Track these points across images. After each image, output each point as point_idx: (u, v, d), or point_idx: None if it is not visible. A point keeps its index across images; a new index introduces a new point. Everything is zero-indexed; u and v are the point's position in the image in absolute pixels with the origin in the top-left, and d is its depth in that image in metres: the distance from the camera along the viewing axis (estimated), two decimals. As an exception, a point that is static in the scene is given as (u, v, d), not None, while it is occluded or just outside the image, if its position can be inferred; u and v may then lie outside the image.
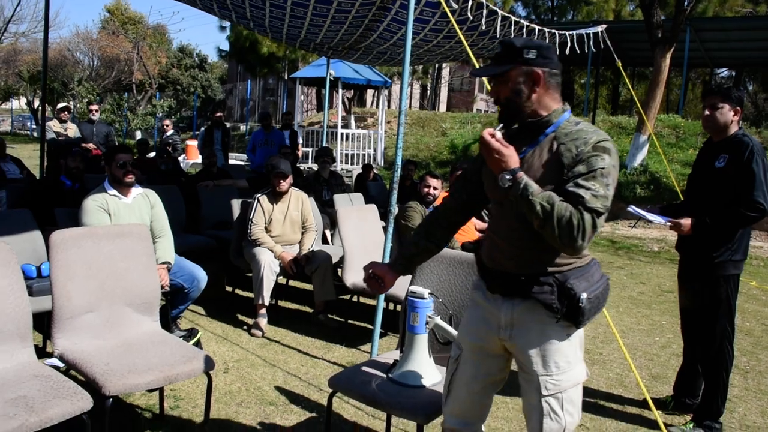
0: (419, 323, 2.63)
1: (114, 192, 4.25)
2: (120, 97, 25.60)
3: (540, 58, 2.00)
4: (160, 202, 4.48)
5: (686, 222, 3.44)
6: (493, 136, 1.94)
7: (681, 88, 22.02)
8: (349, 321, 5.28)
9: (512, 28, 5.45)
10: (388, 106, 30.19)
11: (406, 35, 3.84)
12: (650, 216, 3.68)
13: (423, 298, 2.63)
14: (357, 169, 11.26)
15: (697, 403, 3.71)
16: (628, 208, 3.87)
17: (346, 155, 16.51)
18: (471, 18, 4.84)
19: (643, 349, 4.98)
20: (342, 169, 15.94)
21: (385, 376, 2.74)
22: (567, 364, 2.04)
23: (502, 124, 2.07)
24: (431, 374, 2.67)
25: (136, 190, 4.38)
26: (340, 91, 17.31)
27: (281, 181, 5.07)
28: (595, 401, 3.95)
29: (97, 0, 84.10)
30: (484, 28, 5.27)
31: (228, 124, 28.81)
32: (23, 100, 37.13)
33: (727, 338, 3.52)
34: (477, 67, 2.20)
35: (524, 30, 5.65)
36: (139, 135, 21.45)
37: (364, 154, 16.47)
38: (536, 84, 2.00)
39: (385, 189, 8.87)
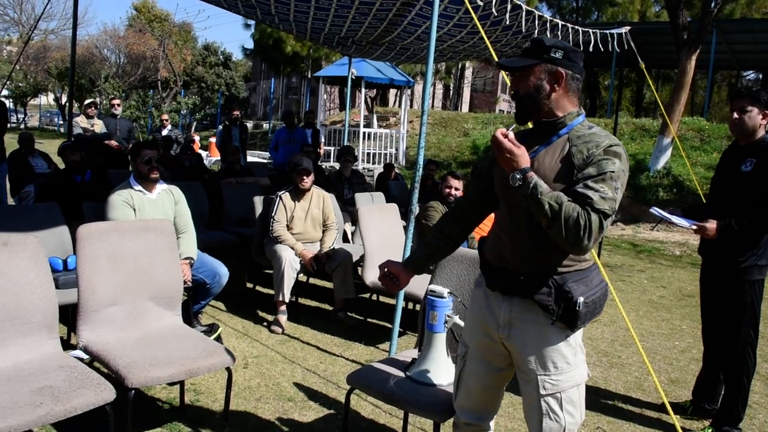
0: (438, 322, 2.64)
1: (139, 187, 4.31)
2: (145, 94, 25.89)
3: (566, 60, 2.01)
4: (183, 198, 4.53)
5: (712, 225, 3.39)
6: (505, 136, 1.96)
7: (706, 91, 21.74)
8: (369, 319, 5.30)
9: (536, 22, 5.43)
10: (411, 106, 30.20)
11: (430, 31, 3.84)
12: (674, 218, 3.65)
13: (442, 297, 2.64)
14: (378, 168, 11.28)
15: (717, 409, 3.67)
16: (651, 210, 3.84)
17: (368, 154, 16.54)
18: (495, 13, 4.83)
19: (663, 353, 4.94)
20: (364, 168, 15.97)
21: (403, 374, 2.76)
22: (566, 365, 2.06)
23: (514, 125, 2.09)
24: (449, 373, 2.67)
25: (161, 186, 4.43)
26: (363, 90, 17.35)
27: (304, 177, 5.10)
28: (613, 403, 3.94)
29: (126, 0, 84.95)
30: (508, 23, 5.27)
31: (251, 122, 29.10)
32: (51, 97, 37.73)
33: (750, 344, 3.48)
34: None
35: (548, 25, 5.63)
36: (165, 132, 21.66)
37: (385, 154, 16.49)
38: (557, 83, 2.01)
39: (406, 188, 8.88)
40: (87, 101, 9.08)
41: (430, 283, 3.00)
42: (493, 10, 4.80)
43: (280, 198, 5.14)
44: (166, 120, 10.45)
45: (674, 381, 4.37)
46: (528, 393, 2.10)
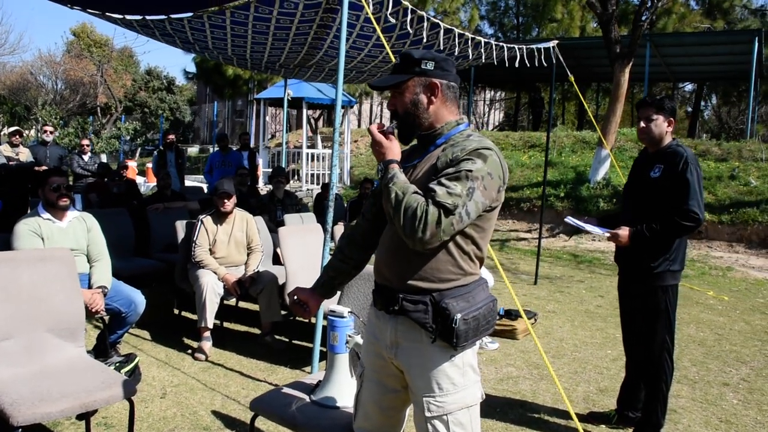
0: (339, 342, 2.59)
1: (48, 216, 4.16)
2: (84, 121, 25.28)
3: (438, 70, 2.00)
4: (97, 225, 4.39)
5: (624, 233, 3.44)
6: (381, 130, 1.97)
7: (643, 103, 22.28)
8: (296, 342, 5.20)
9: (457, 41, 5.46)
10: (358, 126, 30.30)
11: (339, 45, 3.84)
12: (588, 227, 3.69)
13: (342, 317, 2.59)
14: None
15: (639, 416, 3.70)
16: (566, 219, 3.88)
17: (312, 175, 16.46)
18: (411, 31, 4.85)
19: (594, 363, 4.98)
20: (308, 189, 15.88)
21: (307, 397, 2.69)
22: (451, 386, 1.98)
23: (395, 122, 2.06)
24: (353, 394, 2.61)
25: (72, 214, 4.29)
26: (305, 111, 17.30)
27: (225, 201, 5.01)
28: (539, 416, 3.93)
29: (62, 25, 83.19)
30: (426, 41, 5.28)
31: (197, 146, 28.72)
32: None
33: (666, 350, 3.52)
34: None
35: (470, 42, 5.67)
36: (104, 158, 21.16)
37: (329, 174, 16.41)
38: (434, 95, 1.99)
39: (344, 208, 8.85)
40: (10, 129, 8.80)
41: (338, 303, 2.95)
42: (409, 29, 4.83)
43: (202, 222, 5.03)
44: (87, 146, 10.14)
45: (603, 390, 4.40)
46: (416, 414, 2.04)
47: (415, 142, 2.11)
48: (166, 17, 5.12)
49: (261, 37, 5.81)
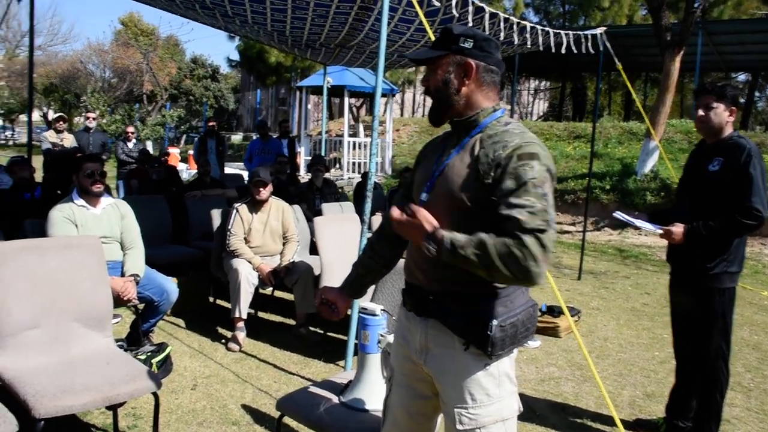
0: (371, 342, 2.45)
1: (82, 202, 4.12)
2: (131, 108, 25.72)
3: (476, 50, 1.81)
4: (131, 212, 4.34)
5: (678, 230, 3.21)
6: (403, 211, 1.76)
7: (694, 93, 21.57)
8: (331, 334, 5.08)
9: (502, 25, 5.23)
10: (401, 114, 30.08)
11: (380, 28, 3.68)
12: (638, 222, 3.46)
13: (374, 315, 2.44)
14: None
15: (690, 427, 3.46)
16: (614, 214, 3.66)
17: (354, 164, 16.37)
18: (457, 16, 4.65)
19: (641, 365, 4.74)
20: (349, 178, 15.81)
21: (336, 398, 2.56)
22: (486, 398, 1.80)
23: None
24: (383, 397, 2.47)
25: (106, 201, 4.24)
26: (347, 99, 17.20)
27: (260, 189, 4.91)
28: (581, 422, 3.74)
29: (110, 15, 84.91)
30: (471, 26, 5.08)
31: (240, 134, 28.93)
32: (38, 113, 37.57)
33: (722, 357, 3.27)
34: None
35: (515, 26, 5.44)
36: (149, 145, 21.47)
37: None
38: (467, 76, 1.81)
39: (384, 197, 8.71)
40: (55, 115, 8.92)
41: (372, 299, 2.81)
42: (454, 12, 4.63)
43: (237, 210, 4.94)
44: (131, 133, 10.21)
45: (650, 395, 4.17)
46: (447, 426, 1.87)
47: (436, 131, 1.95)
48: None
49: (301, 12, 5.68)
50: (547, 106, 38.65)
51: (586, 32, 6.88)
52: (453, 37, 1.80)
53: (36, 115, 38.89)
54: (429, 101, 1.95)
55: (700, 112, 3.26)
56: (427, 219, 1.73)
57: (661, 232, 3.31)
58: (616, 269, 8.64)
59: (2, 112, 33.21)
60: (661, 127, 12.57)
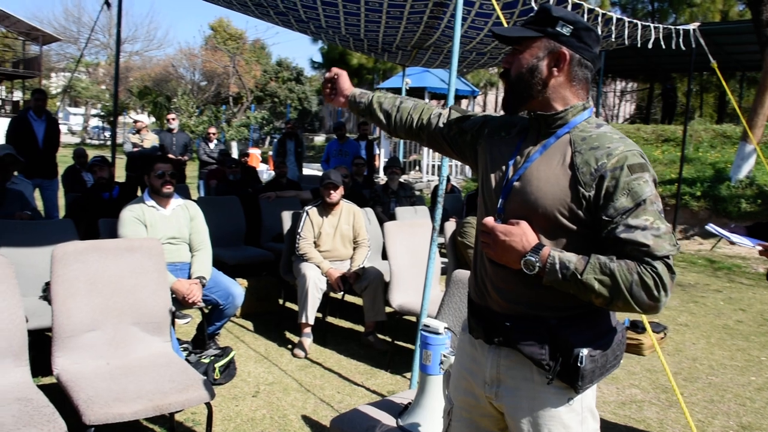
0: (432, 363, 2.25)
1: (152, 203, 4.12)
2: (218, 109, 26.47)
3: (574, 39, 1.56)
4: (200, 214, 4.31)
5: (782, 247, 2.85)
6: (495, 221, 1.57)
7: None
8: (399, 342, 4.88)
9: (586, 16, 4.86)
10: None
11: (454, 25, 3.48)
12: (734, 237, 3.10)
13: (438, 333, 2.23)
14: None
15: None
16: (707, 227, 3.30)
17: (434, 166, 16.16)
18: (536, 8, 4.38)
19: (734, 391, 4.31)
20: (428, 180, 15.60)
21: (394, 420, 2.37)
22: None
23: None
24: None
25: (176, 201, 4.23)
26: (427, 101, 17.01)
27: (331, 191, 4.79)
28: (668, 453, 3.39)
29: (200, 20, 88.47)
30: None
31: (323, 135, 29.22)
32: (133, 115, 39.42)
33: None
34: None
35: (600, 18, 5.06)
36: (234, 146, 21.98)
37: (451, 165, 16.06)
38: (558, 66, 1.57)
39: (461, 201, 8.45)
40: (136, 116, 9.18)
41: (437, 316, 2.61)
42: (533, 5, 4.36)
43: (307, 213, 4.84)
44: (213, 134, 10.35)
45: (746, 427, 3.75)
46: None
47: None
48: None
49: (374, 15, 5.55)
50: (634, 108, 37.10)
51: (678, 26, 6.41)
52: (551, 19, 1.56)
53: (134, 116, 40.87)
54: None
55: None
56: (528, 232, 1.52)
57: (760, 248, 2.94)
58: (706, 282, 8.04)
59: (103, 114, 34.85)
60: (760, 129, 11.69)
